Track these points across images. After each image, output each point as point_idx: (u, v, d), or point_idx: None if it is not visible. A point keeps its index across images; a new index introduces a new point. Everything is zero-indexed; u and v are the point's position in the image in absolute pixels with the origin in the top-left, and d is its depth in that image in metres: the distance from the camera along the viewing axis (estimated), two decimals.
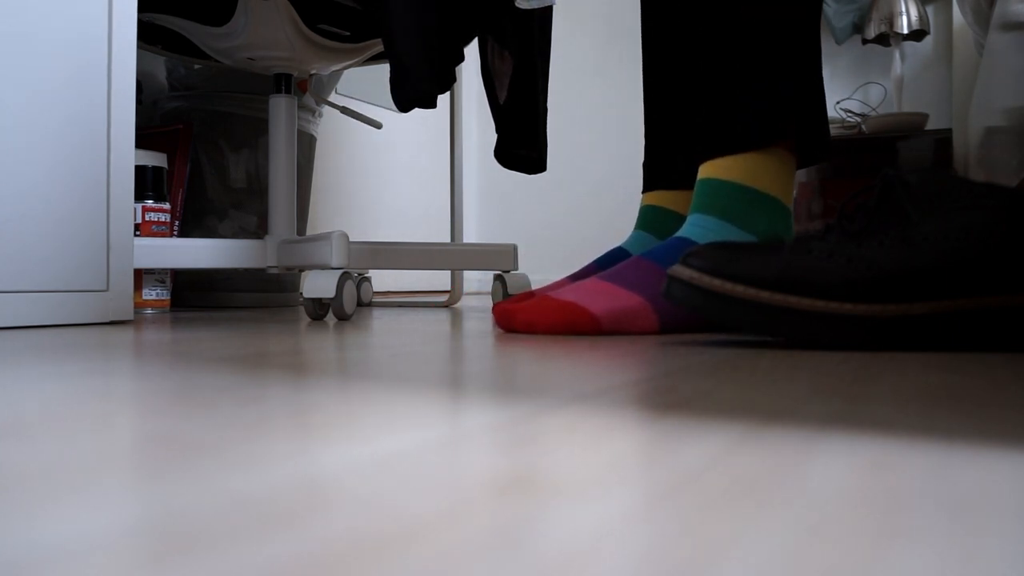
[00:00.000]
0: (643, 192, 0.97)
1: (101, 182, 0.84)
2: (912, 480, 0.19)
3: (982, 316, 0.52)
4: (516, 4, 1.11)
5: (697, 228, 0.71)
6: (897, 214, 0.54)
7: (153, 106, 1.50)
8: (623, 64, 2.53)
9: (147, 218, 1.19)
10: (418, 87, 1.04)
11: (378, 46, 1.24)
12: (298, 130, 1.50)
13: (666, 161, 0.94)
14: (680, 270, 0.56)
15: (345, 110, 1.37)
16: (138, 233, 1.17)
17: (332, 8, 1.16)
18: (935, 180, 0.54)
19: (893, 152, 2.02)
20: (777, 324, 0.53)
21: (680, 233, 0.72)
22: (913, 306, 0.51)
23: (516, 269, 1.24)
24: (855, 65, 2.29)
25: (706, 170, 0.73)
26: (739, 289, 0.53)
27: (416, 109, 2.27)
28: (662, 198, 0.94)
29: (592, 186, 2.55)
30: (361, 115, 1.38)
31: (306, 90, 1.27)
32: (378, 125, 1.41)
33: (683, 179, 0.93)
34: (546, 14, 1.29)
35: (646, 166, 0.97)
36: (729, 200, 0.70)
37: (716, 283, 0.53)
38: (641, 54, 1.01)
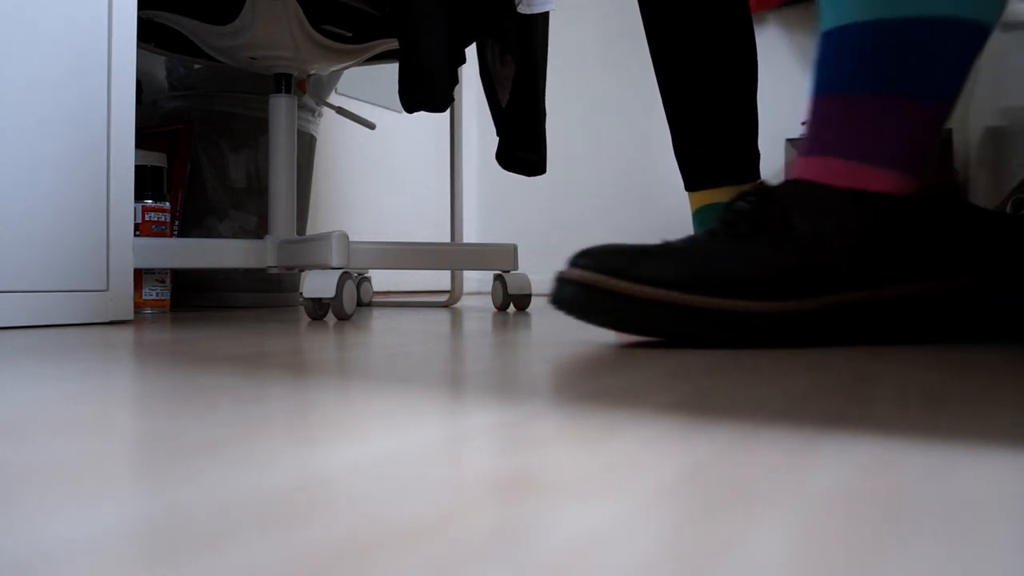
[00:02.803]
0: (698, 190, 0.89)
1: (101, 182, 0.84)
2: (912, 480, 0.19)
3: (871, 308, 0.55)
4: (517, 9, 1.11)
5: None
6: (778, 219, 0.56)
7: (153, 106, 1.50)
8: (623, 64, 2.53)
9: (147, 218, 1.19)
10: (435, 88, 1.04)
11: (379, 47, 1.24)
12: (298, 130, 1.50)
13: (731, 155, 0.88)
14: (574, 272, 0.54)
15: (340, 110, 1.37)
16: (138, 233, 1.17)
17: (338, 9, 1.16)
18: (805, 189, 0.57)
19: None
20: (679, 323, 0.52)
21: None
22: (805, 302, 0.53)
23: (516, 269, 1.24)
24: None
25: None
26: (647, 290, 0.52)
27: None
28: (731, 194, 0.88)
29: (592, 186, 2.55)
30: (355, 116, 1.38)
31: (305, 90, 1.27)
32: (372, 126, 1.41)
33: (750, 173, 0.89)
34: (544, 17, 1.29)
35: (701, 161, 0.90)
36: None
37: (623, 285, 0.52)
38: (653, 54, 0.96)
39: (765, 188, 0.58)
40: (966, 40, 0.56)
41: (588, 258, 0.53)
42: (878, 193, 0.56)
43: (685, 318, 0.52)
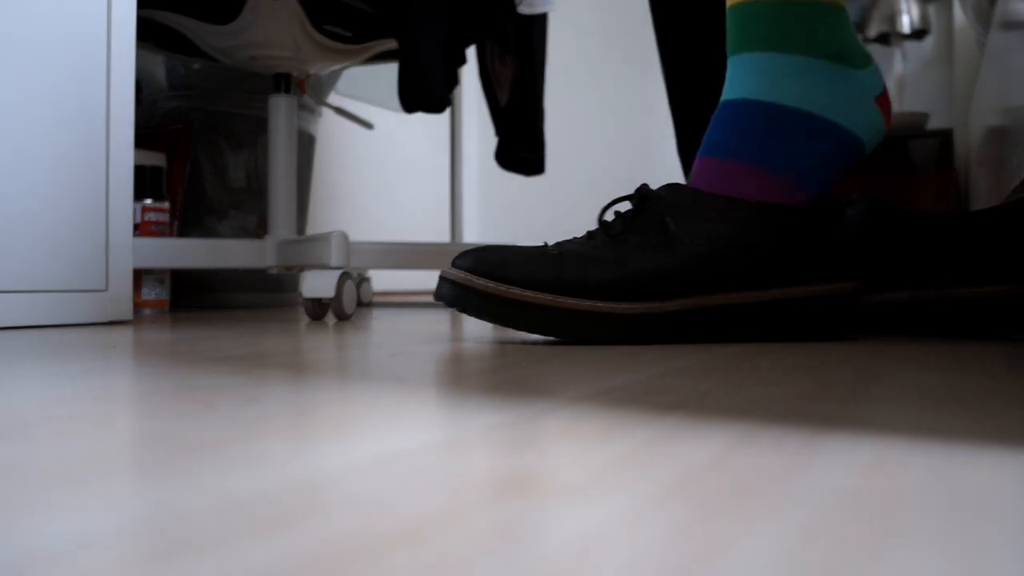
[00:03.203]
0: None
1: (100, 182, 0.84)
2: (912, 480, 0.19)
3: (729, 311, 0.59)
4: (518, 9, 1.11)
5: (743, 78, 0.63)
6: (654, 223, 0.60)
7: (153, 106, 1.50)
8: (623, 63, 2.53)
9: (147, 218, 1.19)
10: (433, 91, 1.04)
11: (378, 47, 1.24)
12: (298, 130, 1.50)
13: None
14: (451, 272, 0.60)
15: (339, 110, 1.37)
16: (138, 233, 1.17)
17: (339, 8, 1.16)
18: (685, 193, 0.61)
19: (905, 150, 2.02)
20: (531, 319, 0.58)
21: (728, 96, 0.64)
22: (667, 304, 0.58)
23: None
24: None
25: None
26: (515, 292, 0.57)
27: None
28: None
29: (592, 186, 2.55)
30: (354, 116, 1.38)
31: (305, 90, 1.27)
32: (370, 126, 1.41)
33: None
34: (543, 18, 1.29)
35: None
36: (771, 23, 0.62)
37: (489, 284, 0.58)
38: (660, 49, 0.96)
39: (645, 190, 0.61)
40: (842, 145, 0.62)
41: (465, 259, 0.59)
42: (752, 201, 0.60)
43: (537, 315, 0.57)
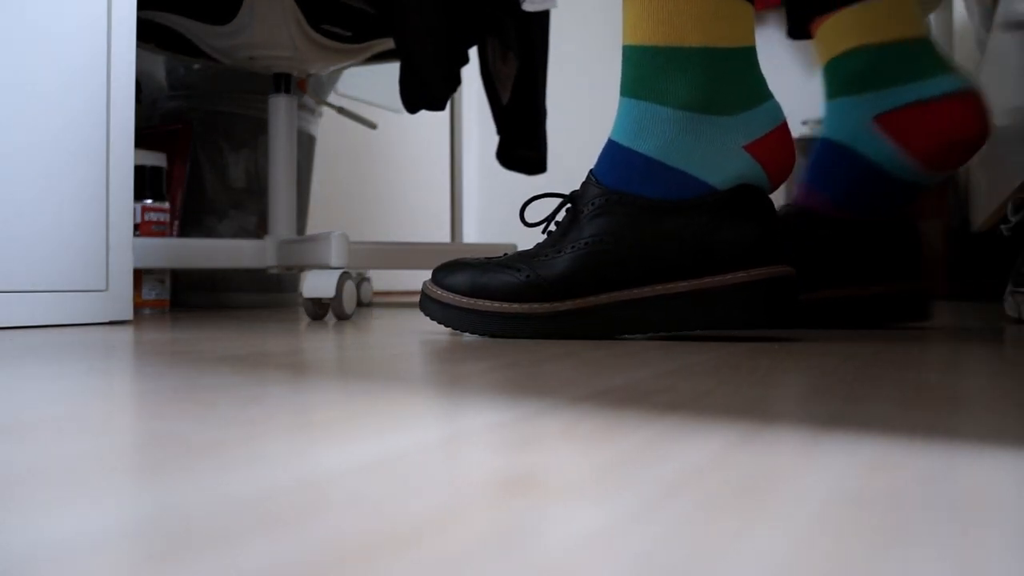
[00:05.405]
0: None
1: (101, 182, 0.84)
2: (912, 480, 0.19)
3: (614, 307, 0.63)
4: (522, 6, 1.11)
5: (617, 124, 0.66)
6: (572, 222, 0.65)
7: (153, 106, 1.50)
8: None
9: (147, 218, 1.19)
10: (431, 90, 1.04)
11: (378, 46, 1.24)
12: (298, 130, 1.50)
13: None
14: (424, 283, 0.68)
15: (341, 110, 1.37)
16: (138, 233, 1.17)
17: (336, 8, 1.16)
18: (597, 190, 0.64)
19: None
20: (463, 320, 0.65)
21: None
22: (564, 303, 0.63)
23: None
24: None
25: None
26: (445, 295, 0.66)
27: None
28: None
29: None
30: (356, 115, 1.37)
31: (305, 90, 1.27)
32: (373, 126, 1.41)
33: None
34: (545, 15, 1.29)
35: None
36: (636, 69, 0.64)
37: (436, 291, 0.67)
38: None
39: (570, 197, 0.66)
40: (693, 190, 0.63)
41: (434, 271, 0.68)
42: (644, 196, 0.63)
43: (465, 316, 0.65)
